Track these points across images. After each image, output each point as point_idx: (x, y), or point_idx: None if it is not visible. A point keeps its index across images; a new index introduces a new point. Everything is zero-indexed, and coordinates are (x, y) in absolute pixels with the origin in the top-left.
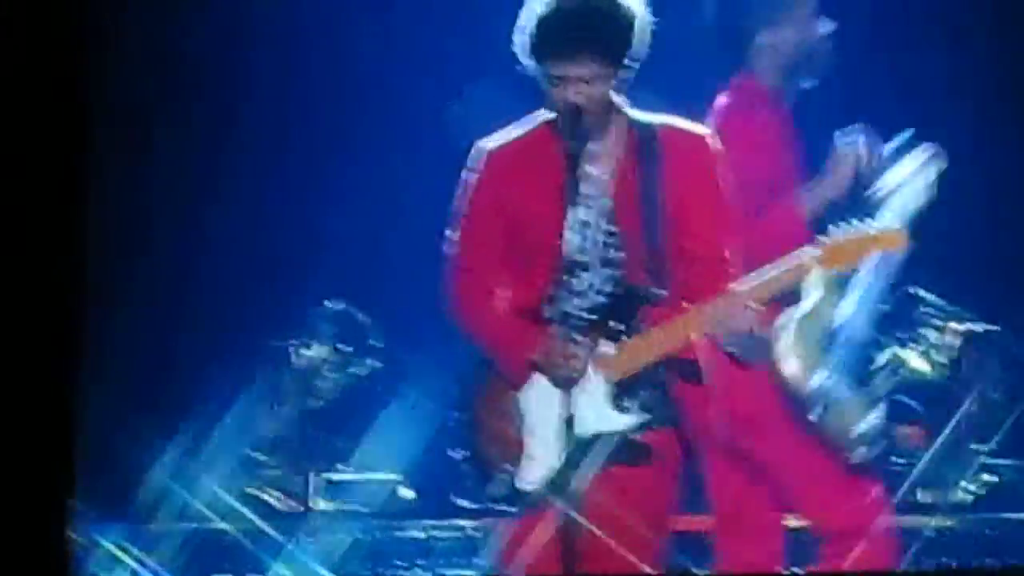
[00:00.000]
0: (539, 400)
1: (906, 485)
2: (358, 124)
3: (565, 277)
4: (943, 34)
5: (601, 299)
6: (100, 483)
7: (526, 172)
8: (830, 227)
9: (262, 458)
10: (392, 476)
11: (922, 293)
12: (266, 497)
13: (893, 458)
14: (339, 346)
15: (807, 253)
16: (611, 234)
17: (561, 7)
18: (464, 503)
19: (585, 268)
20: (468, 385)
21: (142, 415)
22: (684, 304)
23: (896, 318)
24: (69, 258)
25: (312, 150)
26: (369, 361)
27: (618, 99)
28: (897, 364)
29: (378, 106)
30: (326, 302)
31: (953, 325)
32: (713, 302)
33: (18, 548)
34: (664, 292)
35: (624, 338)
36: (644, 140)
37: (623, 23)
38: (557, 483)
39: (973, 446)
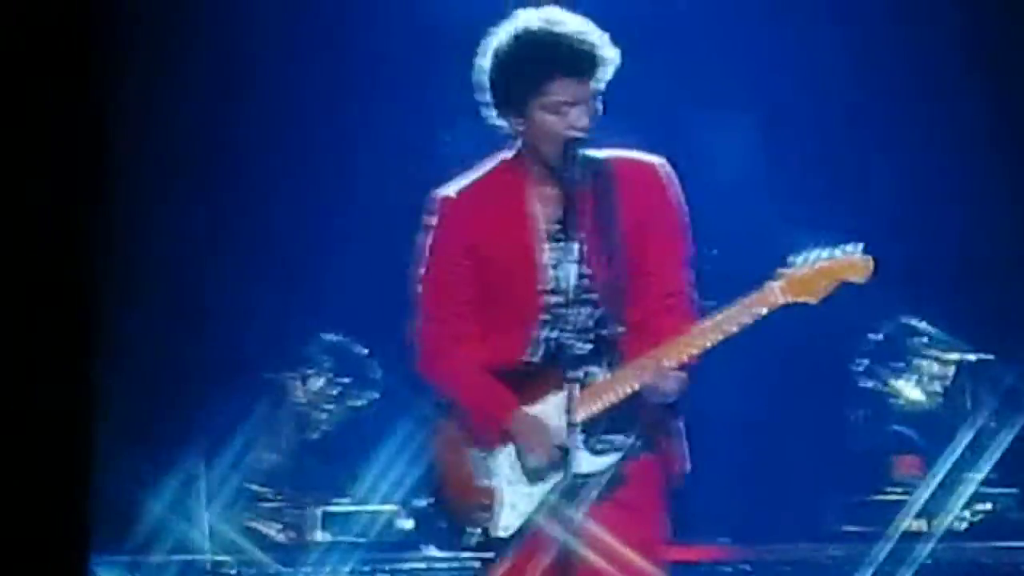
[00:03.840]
0: (511, 458)
1: (904, 513)
2: (354, 159)
3: (549, 320)
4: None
5: (583, 339)
6: (100, 516)
7: (491, 215)
8: (791, 257)
9: (261, 490)
10: (390, 507)
11: (916, 323)
12: (265, 529)
13: (890, 488)
14: (337, 378)
15: (771, 285)
16: (583, 274)
17: (555, 39)
18: (434, 552)
19: (567, 307)
20: (429, 432)
21: (141, 448)
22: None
23: (891, 348)
24: (75, 290)
25: (310, 184)
26: (367, 393)
27: None
28: (893, 394)
29: (373, 140)
30: (323, 335)
31: (948, 355)
32: (646, 362)
33: None
34: (622, 329)
35: (600, 379)
36: (599, 175)
37: (608, 55)
38: (540, 524)
39: (968, 474)
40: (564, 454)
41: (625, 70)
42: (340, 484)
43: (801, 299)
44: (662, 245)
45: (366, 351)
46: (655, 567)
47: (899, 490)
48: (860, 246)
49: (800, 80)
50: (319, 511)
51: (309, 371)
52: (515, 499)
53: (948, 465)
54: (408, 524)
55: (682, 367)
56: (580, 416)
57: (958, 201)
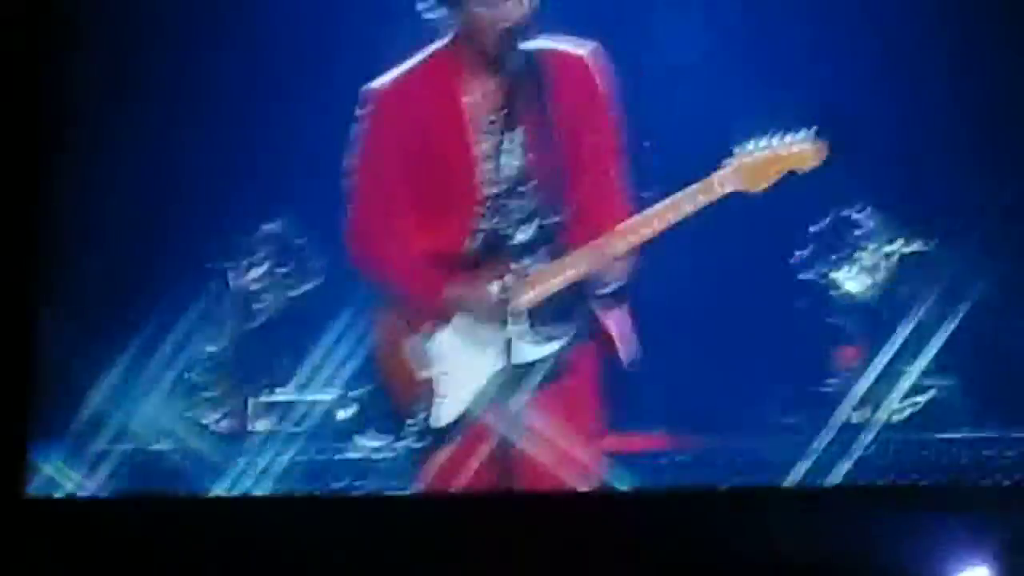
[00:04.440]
0: (451, 341)
1: (842, 405)
2: (296, 50)
3: (487, 209)
4: None
5: (522, 229)
6: (40, 404)
7: (424, 106)
8: (738, 147)
9: (201, 380)
10: (330, 396)
11: (856, 214)
12: (205, 419)
13: (829, 379)
14: (277, 268)
15: (720, 173)
16: (521, 164)
17: None
18: (373, 441)
19: (506, 198)
20: (369, 321)
21: (82, 338)
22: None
23: (831, 239)
24: (16, 176)
25: (250, 75)
26: (307, 281)
27: None
28: (833, 285)
29: (314, 31)
30: (263, 224)
31: (887, 246)
32: (588, 251)
33: None
34: (558, 219)
35: (541, 267)
36: (531, 67)
37: None
38: (478, 414)
39: (908, 365)
40: (507, 345)
41: None
42: (281, 373)
43: (744, 188)
44: (594, 136)
45: (305, 240)
46: (594, 456)
47: (838, 381)
48: (811, 132)
49: None
50: (259, 401)
51: (250, 260)
52: (454, 389)
53: (888, 356)
54: (348, 414)
55: (625, 255)
56: (522, 304)
57: (900, 90)
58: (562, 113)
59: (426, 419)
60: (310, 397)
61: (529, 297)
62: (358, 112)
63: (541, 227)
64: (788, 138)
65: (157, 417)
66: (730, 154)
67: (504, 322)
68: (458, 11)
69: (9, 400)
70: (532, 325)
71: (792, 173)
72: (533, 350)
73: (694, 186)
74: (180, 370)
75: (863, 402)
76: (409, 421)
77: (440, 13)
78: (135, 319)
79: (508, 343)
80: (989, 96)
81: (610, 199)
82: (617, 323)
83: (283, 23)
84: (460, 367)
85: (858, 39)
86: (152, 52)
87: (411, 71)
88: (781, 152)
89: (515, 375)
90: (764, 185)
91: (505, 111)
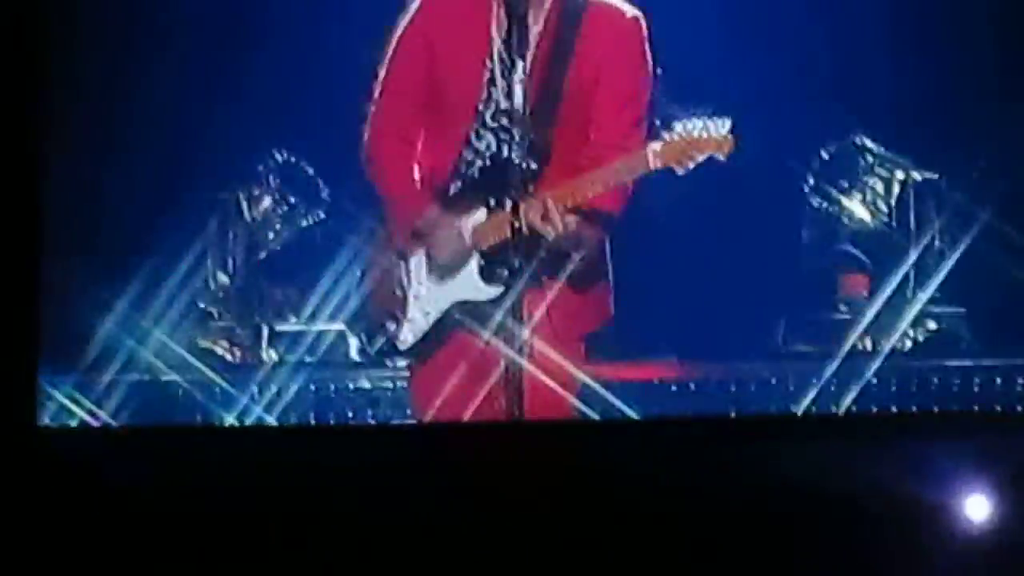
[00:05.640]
0: (416, 267)
1: (851, 332)
2: None
3: (474, 140)
4: None
5: (494, 166)
6: (49, 335)
7: (457, 27)
8: (671, 125)
9: (210, 309)
10: (337, 326)
11: (864, 141)
12: (214, 348)
13: (837, 306)
14: (285, 198)
15: (650, 148)
16: (517, 97)
17: None
18: (354, 356)
19: (492, 134)
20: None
21: (92, 267)
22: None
23: (839, 166)
24: (21, 113)
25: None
26: (314, 212)
27: None
28: (841, 213)
29: None
30: (274, 152)
31: (895, 173)
32: (534, 206)
33: None
34: (536, 167)
35: (498, 209)
36: (571, 11)
37: None
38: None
39: (914, 293)
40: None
41: None
42: (289, 304)
43: (671, 164)
44: (616, 97)
45: (313, 170)
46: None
47: (845, 309)
48: (728, 124)
49: None
50: (267, 330)
51: (258, 190)
52: (421, 308)
53: (895, 284)
54: (355, 344)
55: (570, 213)
56: (482, 244)
57: (907, 21)
58: (584, 64)
59: (390, 339)
60: (318, 327)
61: (487, 239)
62: (400, 13)
63: (517, 166)
64: (710, 125)
65: (166, 347)
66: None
67: (461, 261)
68: None
69: (18, 331)
70: (482, 267)
71: (710, 158)
72: (487, 290)
73: (632, 157)
74: (189, 299)
75: (869, 330)
76: (377, 337)
77: None
78: (145, 248)
79: (467, 279)
80: (996, 28)
81: (605, 157)
82: (584, 280)
83: None
84: (426, 292)
85: None
86: None
87: None
88: (699, 139)
89: (472, 310)
90: (685, 165)
91: (511, 40)
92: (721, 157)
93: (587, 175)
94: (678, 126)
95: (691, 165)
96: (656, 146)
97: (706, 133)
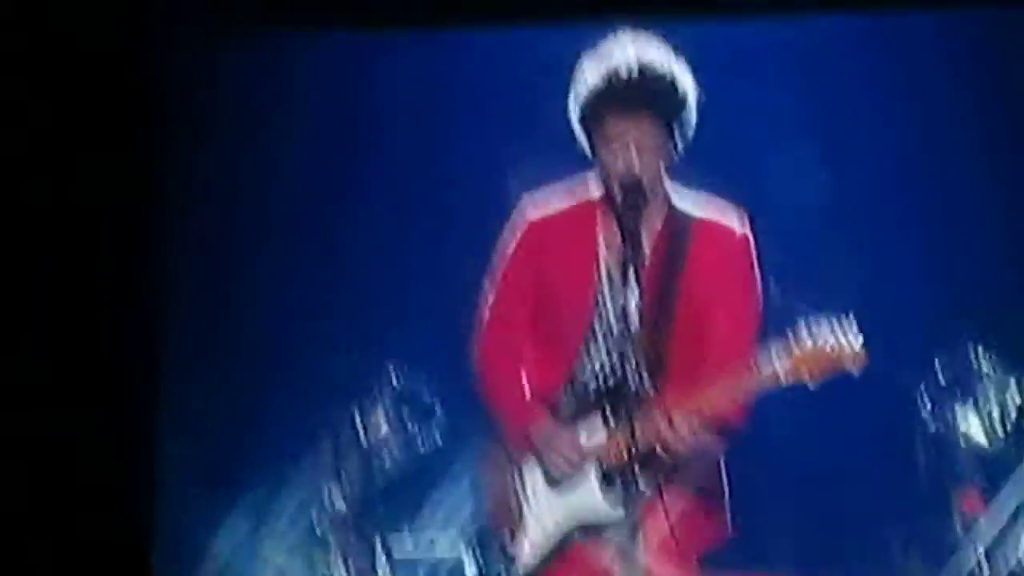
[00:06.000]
0: (534, 479)
1: (967, 550)
2: (420, 191)
3: (586, 356)
4: None
5: (609, 383)
6: (164, 555)
7: (565, 246)
8: (794, 331)
9: (328, 536)
10: (455, 554)
11: (980, 356)
12: (333, 572)
13: (951, 523)
14: (405, 423)
15: (775, 361)
16: (629, 321)
17: (621, 69)
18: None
19: (605, 350)
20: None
21: (205, 487)
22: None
23: (955, 381)
24: (140, 326)
25: (382, 222)
26: (432, 437)
27: (667, 184)
28: (957, 428)
29: (435, 171)
30: (390, 371)
31: (1011, 389)
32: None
33: None
34: (656, 383)
35: (616, 426)
36: (679, 230)
37: (680, 92)
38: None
39: None
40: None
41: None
42: (405, 526)
43: (803, 379)
44: (727, 316)
45: (428, 393)
46: None
47: (960, 526)
48: (859, 334)
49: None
50: (384, 558)
51: (373, 414)
52: (541, 526)
53: (1011, 503)
54: (472, 570)
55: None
56: (602, 461)
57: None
58: (695, 286)
59: (510, 554)
60: (437, 554)
61: (608, 454)
62: (509, 230)
63: (634, 383)
64: (842, 337)
65: (284, 568)
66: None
67: (581, 478)
68: (596, 156)
69: (132, 556)
70: (604, 484)
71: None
72: (607, 508)
73: (759, 371)
74: (306, 520)
75: (983, 548)
76: (500, 552)
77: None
78: (259, 470)
79: (587, 496)
80: None
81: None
82: (707, 496)
83: (414, 168)
84: (543, 507)
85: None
86: (280, 189)
87: (563, 210)
88: (835, 350)
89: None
90: (818, 379)
91: (623, 265)
92: (854, 371)
93: (714, 388)
94: (805, 335)
95: (821, 378)
96: (785, 362)
97: (837, 344)
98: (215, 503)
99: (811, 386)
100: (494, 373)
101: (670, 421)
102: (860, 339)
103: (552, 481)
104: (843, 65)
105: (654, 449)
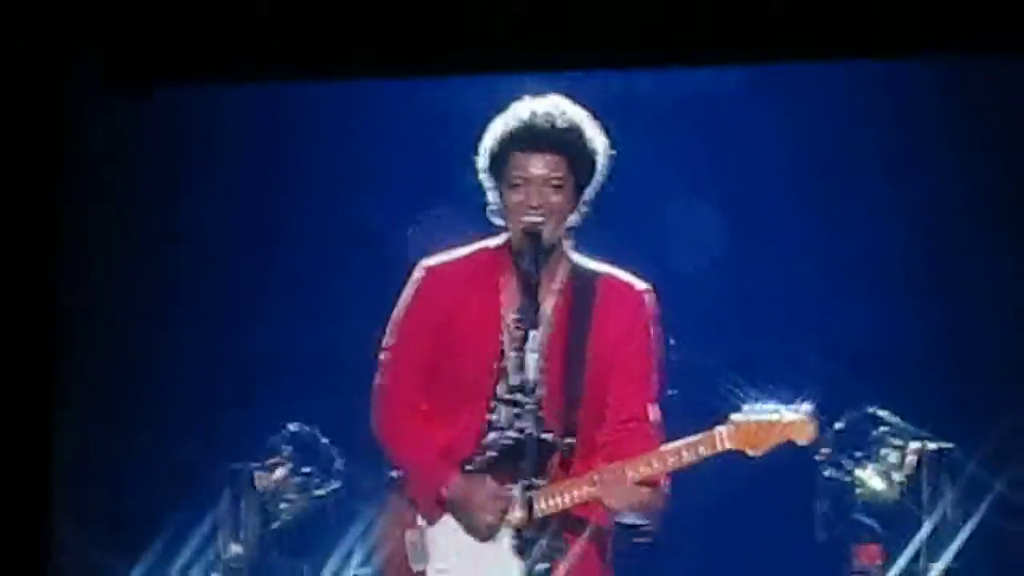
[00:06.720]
0: (449, 537)
1: None
2: (317, 245)
3: (493, 412)
4: None
5: (516, 439)
6: None
7: (466, 295)
8: (743, 406)
9: None
10: None
11: (879, 412)
12: None
13: None
14: (299, 468)
15: (720, 430)
16: (536, 375)
17: (531, 113)
18: None
19: (511, 404)
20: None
21: (104, 541)
22: (597, 461)
23: (854, 437)
24: (36, 384)
25: (269, 271)
26: (328, 483)
27: (567, 242)
28: (856, 483)
29: (337, 224)
30: (288, 425)
31: (909, 444)
32: (607, 473)
33: None
34: (571, 442)
35: (528, 483)
36: (583, 286)
37: (589, 143)
38: None
39: (930, 563)
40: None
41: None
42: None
43: (744, 449)
44: (630, 374)
45: (328, 440)
46: None
47: None
48: (808, 407)
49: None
50: None
51: (272, 461)
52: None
53: (910, 555)
54: None
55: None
56: (512, 521)
57: (923, 291)
58: (600, 341)
59: None
60: None
61: (538, 510)
62: (407, 284)
63: (544, 442)
64: (787, 410)
65: None
66: (737, 409)
67: (494, 535)
68: (500, 197)
69: None
70: (516, 544)
71: (790, 442)
72: (520, 566)
73: (699, 438)
74: (204, 572)
75: None
76: None
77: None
78: (157, 520)
79: (499, 555)
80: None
81: (636, 433)
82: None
83: (313, 224)
84: (456, 567)
85: (883, 248)
86: (183, 244)
87: (462, 258)
88: (778, 423)
89: None
90: (762, 449)
91: (524, 312)
92: (804, 443)
93: (650, 454)
94: (747, 408)
95: (767, 449)
96: (727, 427)
97: (787, 416)
98: (114, 555)
99: (756, 456)
100: (393, 430)
101: (623, 476)
102: (810, 407)
103: (462, 540)
104: (743, 116)
105: (566, 510)
